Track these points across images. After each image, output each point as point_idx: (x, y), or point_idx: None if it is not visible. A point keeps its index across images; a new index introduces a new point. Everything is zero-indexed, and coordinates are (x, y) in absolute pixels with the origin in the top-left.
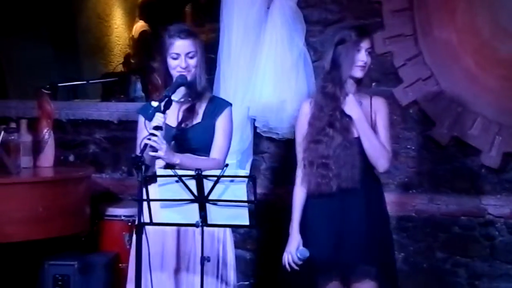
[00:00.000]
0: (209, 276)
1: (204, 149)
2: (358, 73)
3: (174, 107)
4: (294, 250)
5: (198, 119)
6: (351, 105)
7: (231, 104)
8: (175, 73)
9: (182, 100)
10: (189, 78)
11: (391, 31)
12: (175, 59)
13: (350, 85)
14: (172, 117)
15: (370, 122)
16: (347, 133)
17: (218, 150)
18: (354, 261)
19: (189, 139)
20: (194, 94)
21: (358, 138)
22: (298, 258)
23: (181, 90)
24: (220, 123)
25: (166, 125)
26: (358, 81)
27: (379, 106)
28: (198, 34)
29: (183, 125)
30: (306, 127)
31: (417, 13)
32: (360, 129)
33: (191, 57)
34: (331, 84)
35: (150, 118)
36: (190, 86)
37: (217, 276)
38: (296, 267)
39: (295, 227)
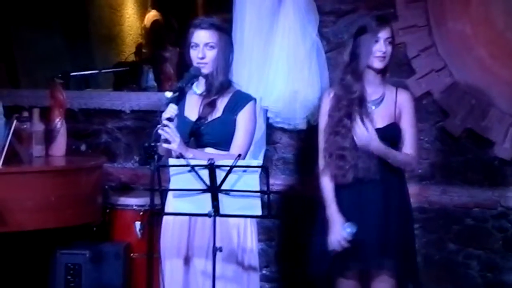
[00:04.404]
0: (230, 264)
1: (223, 144)
2: (377, 63)
3: (196, 100)
4: (340, 228)
5: (218, 113)
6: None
7: (254, 99)
8: (195, 65)
9: (204, 93)
10: (206, 71)
11: (404, 22)
12: (194, 49)
13: (372, 77)
14: (193, 110)
15: (393, 116)
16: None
17: (237, 146)
18: (372, 255)
19: (207, 134)
20: (213, 88)
21: (377, 129)
22: (347, 232)
23: (202, 84)
24: (241, 118)
25: (186, 118)
26: (381, 72)
27: (405, 102)
28: (225, 28)
29: (203, 120)
30: (326, 118)
31: (430, 4)
32: (380, 154)
33: (210, 48)
34: (350, 75)
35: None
36: (207, 80)
37: (239, 264)
38: (346, 244)
39: (333, 210)
